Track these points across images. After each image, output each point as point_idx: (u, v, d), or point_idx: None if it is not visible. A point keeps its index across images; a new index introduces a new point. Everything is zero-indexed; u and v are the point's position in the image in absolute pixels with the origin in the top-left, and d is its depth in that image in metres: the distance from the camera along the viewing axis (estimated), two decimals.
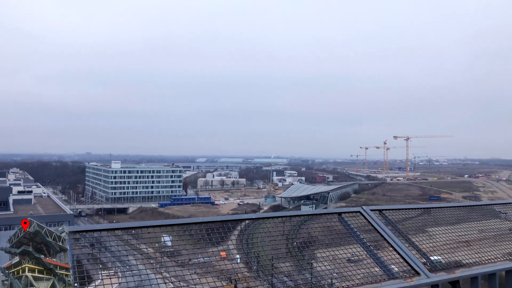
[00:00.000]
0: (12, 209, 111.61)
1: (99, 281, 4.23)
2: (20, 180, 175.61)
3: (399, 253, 5.33)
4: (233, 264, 4.99)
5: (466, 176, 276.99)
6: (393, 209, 6.29)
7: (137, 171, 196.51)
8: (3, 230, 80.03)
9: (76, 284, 3.80)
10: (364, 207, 6.02)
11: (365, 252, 5.35)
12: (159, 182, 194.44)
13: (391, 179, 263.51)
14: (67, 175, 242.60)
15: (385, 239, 5.52)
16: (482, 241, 6.40)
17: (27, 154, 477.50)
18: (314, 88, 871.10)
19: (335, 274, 5.03)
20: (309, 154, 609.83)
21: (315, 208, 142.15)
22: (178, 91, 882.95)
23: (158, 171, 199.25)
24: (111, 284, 4.17)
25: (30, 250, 3.85)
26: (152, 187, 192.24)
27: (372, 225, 5.71)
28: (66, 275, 3.82)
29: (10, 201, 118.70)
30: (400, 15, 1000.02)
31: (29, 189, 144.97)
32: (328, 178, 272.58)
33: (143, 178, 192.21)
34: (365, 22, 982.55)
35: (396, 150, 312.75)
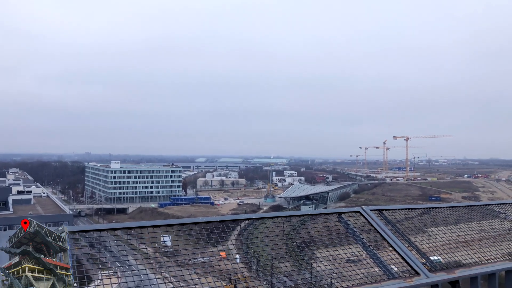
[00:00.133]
0: (11, 209, 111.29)
1: (98, 281, 4.23)
2: (20, 180, 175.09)
3: (399, 253, 5.33)
4: (232, 264, 4.97)
5: (465, 176, 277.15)
6: (392, 209, 6.29)
7: (137, 171, 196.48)
8: (2, 230, 79.93)
9: (76, 284, 3.80)
10: (363, 207, 6.02)
11: (365, 252, 5.35)
12: (158, 182, 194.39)
13: (391, 179, 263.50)
14: (66, 175, 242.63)
15: (384, 239, 5.52)
16: (481, 241, 6.41)
17: (26, 154, 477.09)
18: (314, 88, 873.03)
19: (334, 274, 5.03)
20: (308, 154, 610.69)
21: (315, 208, 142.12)
22: (178, 91, 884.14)
23: (158, 171, 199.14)
24: (111, 284, 4.17)
25: (30, 250, 3.85)
26: (151, 187, 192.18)
27: (371, 225, 5.71)
28: (66, 275, 3.82)
29: (10, 201, 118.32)
30: (400, 15, 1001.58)
31: (29, 189, 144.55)
32: (327, 178, 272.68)
33: (142, 178, 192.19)
34: (365, 22, 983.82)
35: (395, 150, 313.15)
